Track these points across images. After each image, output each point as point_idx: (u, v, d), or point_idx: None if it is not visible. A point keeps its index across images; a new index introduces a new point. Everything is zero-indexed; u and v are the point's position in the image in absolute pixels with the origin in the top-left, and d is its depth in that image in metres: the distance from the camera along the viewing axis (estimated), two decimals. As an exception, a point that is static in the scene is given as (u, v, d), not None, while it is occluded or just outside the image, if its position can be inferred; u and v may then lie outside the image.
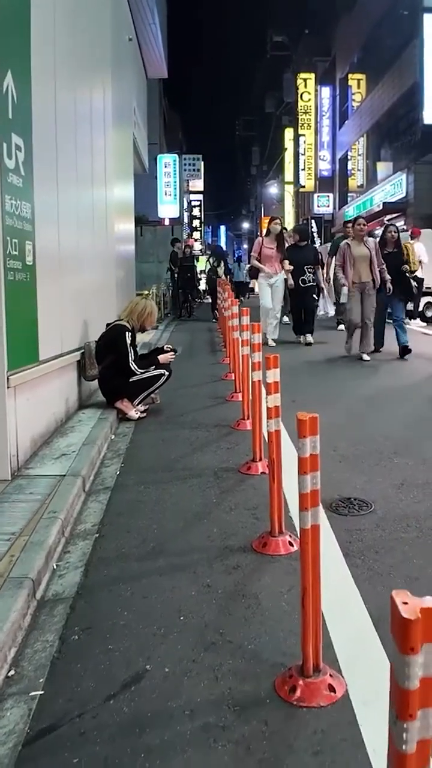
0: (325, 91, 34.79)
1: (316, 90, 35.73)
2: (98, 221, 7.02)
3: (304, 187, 37.23)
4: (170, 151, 31.87)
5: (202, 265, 47.16)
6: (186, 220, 46.59)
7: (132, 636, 2.49)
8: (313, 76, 36.09)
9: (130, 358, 5.63)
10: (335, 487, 3.93)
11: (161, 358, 5.86)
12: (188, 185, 46.11)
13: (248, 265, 17.50)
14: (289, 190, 43.55)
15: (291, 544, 3.12)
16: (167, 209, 27.41)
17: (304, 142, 36.45)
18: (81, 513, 3.74)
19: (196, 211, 50.76)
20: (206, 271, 18.57)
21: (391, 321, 9.13)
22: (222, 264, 17.59)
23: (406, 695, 0.95)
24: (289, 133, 41.54)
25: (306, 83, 36.18)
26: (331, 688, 2.10)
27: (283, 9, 43.01)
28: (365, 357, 8.73)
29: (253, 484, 4.03)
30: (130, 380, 5.68)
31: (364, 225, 8.95)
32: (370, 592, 2.71)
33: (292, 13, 41.07)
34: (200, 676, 2.24)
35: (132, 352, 5.66)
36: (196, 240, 47.87)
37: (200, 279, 24.47)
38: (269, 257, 10.50)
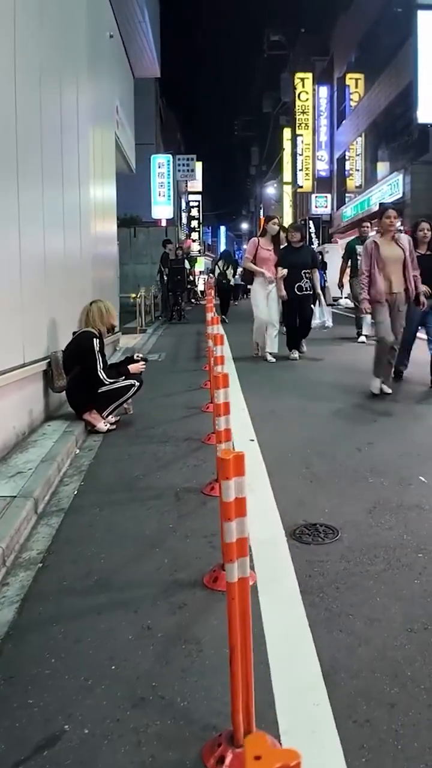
0: (323, 91, 34.49)
1: (313, 89, 35.42)
2: (70, 222, 6.75)
3: (302, 187, 36.92)
4: (168, 151, 31.57)
5: (201, 266, 46.88)
6: (185, 220, 46.31)
7: (56, 688, 2.24)
8: (310, 75, 35.75)
9: (98, 366, 5.38)
10: (302, 510, 3.67)
11: (131, 368, 5.61)
12: (187, 185, 45.79)
13: (240, 269, 17.64)
14: (287, 190, 43.28)
15: (245, 579, 2.88)
16: (161, 210, 27.13)
17: (302, 142, 36.13)
18: (28, 539, 3.49)
19: (194, 212, 50.38)
20: (215, 274, 18.59)
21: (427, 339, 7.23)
22: (230, 267, 17.56)
23: None
24: (287, 133, 41.21)
25: (303, 83, 35.86)
26: (264, 761, 1.85)
27: (280, 7, 42.78)
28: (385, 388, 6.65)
29: (215, 507, 3.75)
30: (99, 391, 5.43)
31: (394, 217, 6.83)
32: (324, 638, 2.46)
33: (288, 11, 40.84)
34: (122, 739, 1.99)
35: (100, 359, 5.41)
36: (194, 241, 47.57)
37: (192, 280, 24.13)
38: (266, 260, 9.09)
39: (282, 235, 9.55)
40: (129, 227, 25.20)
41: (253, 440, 5.06)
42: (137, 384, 5.59)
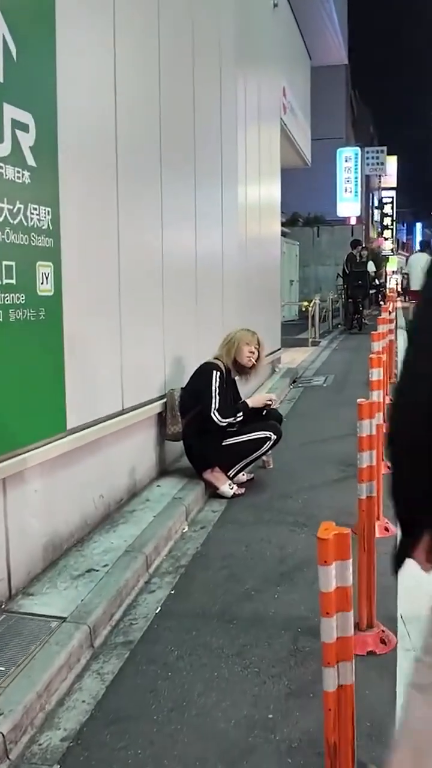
0: None
1: None
2: (208, 223, 5.49)
3: None
4: (359, 145, 29.70)
5: (394, 265, 44.15)
6: (377, 218, 44.15)
7: None
8: None
9: (212, 405, 4.10)
10: None
11: (254, 400, 4.37)
12: (380, 181, 43.48)
13: None
14: None
15: None
16: (348, 207, 25.38)
17: None
18: (62, 702, 2.33)
19: (387, 209, 47.77)
20: None
21: None
22: None
23: None
24: None
25: None
26: None
27: None
28: None
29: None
30: (223, 443, 4.18)
31: None
32: None
33: None
34: None
35: (217, 398, 4.13)
36: (386, 239, 45.24)
37: (381, 283, 22.15)
38: None
39: None
40: (312, 227, 23.88)
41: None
42: (273, 437, 4.26)
